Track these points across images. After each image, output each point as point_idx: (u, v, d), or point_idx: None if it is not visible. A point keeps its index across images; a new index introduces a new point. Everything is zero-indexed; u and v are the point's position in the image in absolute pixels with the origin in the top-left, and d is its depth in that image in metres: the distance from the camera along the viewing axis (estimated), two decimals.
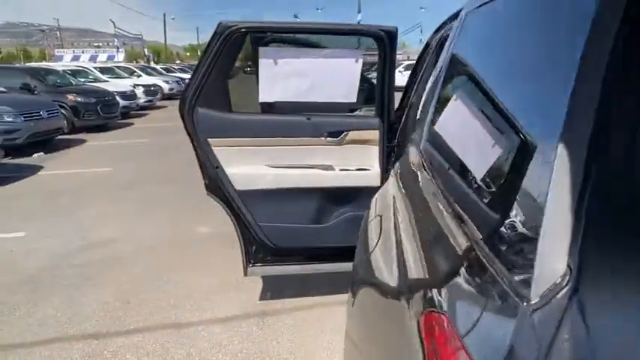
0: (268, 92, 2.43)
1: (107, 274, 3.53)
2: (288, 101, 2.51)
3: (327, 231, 2.64)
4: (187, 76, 24.00)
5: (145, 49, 54.91)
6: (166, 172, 6.76)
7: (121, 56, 38.97)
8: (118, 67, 18.47)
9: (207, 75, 2.33)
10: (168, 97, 19.12)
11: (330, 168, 2.56)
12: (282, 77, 2.39)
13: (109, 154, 8.40)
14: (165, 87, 18.80)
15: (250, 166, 2.49)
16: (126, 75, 17.05)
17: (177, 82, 20.41)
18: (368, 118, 2.58)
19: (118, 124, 12.12)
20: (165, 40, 59.62)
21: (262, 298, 3.14)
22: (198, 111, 2.36)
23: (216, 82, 2.36)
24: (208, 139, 2.41)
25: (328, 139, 2.50)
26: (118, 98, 12.06)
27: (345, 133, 2.50)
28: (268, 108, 3.05)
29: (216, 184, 2.51)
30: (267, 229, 2.61)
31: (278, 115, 2.49)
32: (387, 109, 2.53)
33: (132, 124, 12.72)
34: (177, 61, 56.70)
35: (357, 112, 3.39)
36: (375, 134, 2.54)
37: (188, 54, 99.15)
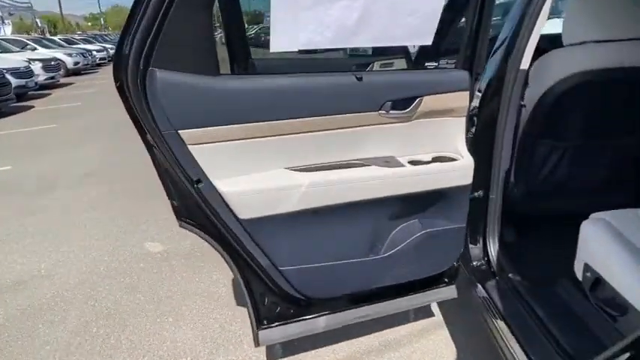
0: (288, 34, 1.31)
1: (16, 342, 2.27)
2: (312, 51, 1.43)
3: (389, 263, 1.64)
4: (93, 47, 21.12)
5: (37, 20, 48.18)
6: (86, 166, 5.28)
7: (8, 29, 33.71)
8: (4, 39, 15.44)
9: (168, 3, 1.16)
10: (74, 72, 16.52)
11: (392, 162, 1.53)
12: (313, 4, 1.28)
13: (6, 148, 6.61)
14: (69, 61, 16.12)
15: (263, 175, 1.40)
16: (16, 49, 14.24)
17: (82, 54, 17.67)
18: (449, 71, 1.56)
19: (13, 108, 9.92)
20: (61, 9, 52.79)
21: (272, 357, 2.10)
22: (156, 77, 1.19)
23: (189, 16, 1.20)
24: (180, 132, 1.26)
25: (392, 112, 1.45)
26: (8, 77, 9.81)
27: (417, 99, 1.47)
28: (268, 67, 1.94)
29: (197, 208, 1.40)
30: (294, 275, 1.56)
31: (309, 74, 1.38)
32: (479, 57, 1.53)
33: (32, 107, 10.53)
34: (79, 32, 50.73)
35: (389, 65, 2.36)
36: (461, 99, 1.53)
37: (90, 24, 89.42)
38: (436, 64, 1.58)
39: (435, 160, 1.58)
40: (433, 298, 1.90)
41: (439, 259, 1.73)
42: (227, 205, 1.36)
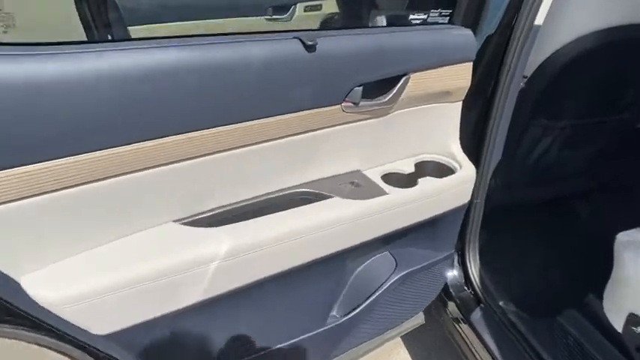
0: None
1: None
2: None
3: (353, 325, 1.09)
4: None
5: None
6: None
7: None
8: None
9: None
10: None
11: (360, 182, 0.94)
12: None
13: None
14: None
15: (134, 242, 0.71)
16: None
17: None
18: (446, 30, 0.94)
19: None
20: None
21: None
22: None
23: None
24: None
25: (363, 103, 0.83)
26: None
27: (403, 78, 0.86)
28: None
29: None
30: None
31: (216, 39, 0.69)
32: (486, 7, 0.96)
33: None
34: None
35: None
36: (462, 74, 0.96)
37: None
38: (424, 16, 0.96)
39: (419, 168, 1.02)
40: (399, 330, 1.42)
41: (419, 300, 1.24)
42: (58, 319, 0.67)
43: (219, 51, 0.66)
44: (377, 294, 1.07)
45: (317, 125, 0.81)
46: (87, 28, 0.89)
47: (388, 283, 1.09)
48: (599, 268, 1.19)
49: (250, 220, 0.78)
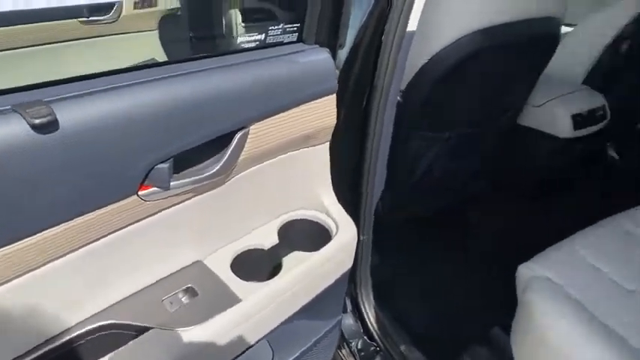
0: None
1: None
2: None
3: None
4: None
5: None
6: None
7: None
8: None
9: None
10: None
11: (200, 281, 0.64)
12: None
13: None
14: None
15: None
16: None
17: None
18: (295, 54, 0.66)
19: None
20: None
21: None
22: None
23: None
24: None
25: (176, 182, 0.53)
26: None
27: (238, 135, 0.58)
28: None
29: None
30: None
31: None
32: (346, 14, 0.71)
33: None
34: None
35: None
36: (325, 111, 0.70)
37: None
38: (261, 36, 0.67)
39: (285, 235, 0.76)
40: None
41: None
42: None
43: None
44: None
45: (118, 225, 0.51)
46: None
47: None
48: (503, 292, 1.06)
49: None
